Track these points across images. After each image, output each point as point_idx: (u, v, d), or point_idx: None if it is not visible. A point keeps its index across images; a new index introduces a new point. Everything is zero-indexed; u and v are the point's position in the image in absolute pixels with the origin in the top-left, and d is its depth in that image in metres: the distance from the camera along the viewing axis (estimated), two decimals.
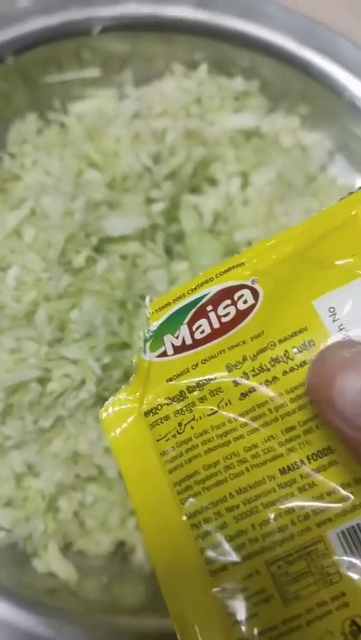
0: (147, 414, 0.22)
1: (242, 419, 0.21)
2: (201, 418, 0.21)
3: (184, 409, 0.21)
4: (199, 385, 0.21)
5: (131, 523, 0.37)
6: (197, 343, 0.22)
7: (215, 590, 0.20)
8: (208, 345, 0.22)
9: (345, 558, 0.19)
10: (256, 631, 0.19)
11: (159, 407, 0.22)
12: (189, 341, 0.22)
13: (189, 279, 0.38)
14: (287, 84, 0.43)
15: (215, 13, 0.42)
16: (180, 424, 0.21)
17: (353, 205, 0.23)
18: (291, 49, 0.42)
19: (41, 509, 0.35)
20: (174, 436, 0.21)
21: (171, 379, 0.22)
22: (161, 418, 0.22)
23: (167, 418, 0.22)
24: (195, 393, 0.21)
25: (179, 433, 0.21)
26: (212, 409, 0.21)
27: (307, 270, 0.22)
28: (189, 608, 0.20)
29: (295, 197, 0.41)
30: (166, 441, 0.21)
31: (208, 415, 0.21)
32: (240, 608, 0.19)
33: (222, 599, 0.19)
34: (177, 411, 0.21)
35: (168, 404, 0.22)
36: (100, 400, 0.35)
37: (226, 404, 0.21)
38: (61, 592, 0.34)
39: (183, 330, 0.22)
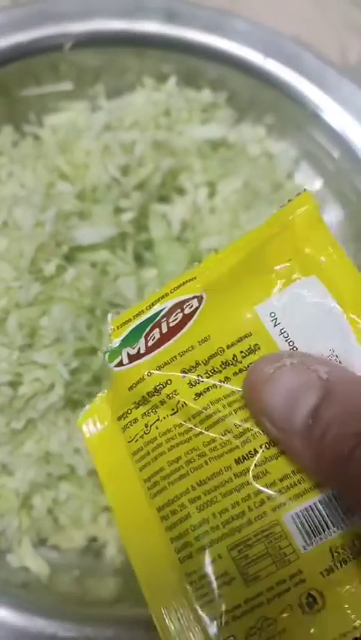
0: (119, 418, 0.24)
1: (199, 417, 0.22)
2: (164, 418, 0.23)
3: (150, 411, 0.23)
4: (157, 390, 0.23)
5: (103, 519, 0.38)
6: (149, 350, 0.24)
7: (185, 575, 0.21)
8: (159, 350, 0.23)
9: (300, 538, 0.21)
10: (222, 609, 0.20)
11: (129, 411, 0.23)
12: (143, 350, 0.24)
13: (158, 286, 0.40)
14: (254, 95, 0.45)
15: (183, 28, 0.44)
16: (146, 425, 0.23)
17: (290, 211, 0.24)
18: (257, 62, 0.43)
19: (15, 506, 0.37)
20: (141, 436, 0.23)
21: (131, 387, 0.23)
22: (130, 421, 0.23)
23: (135, 420, 0.23)
24: (155, 397, 0.23)
25: (145, 433, 0.23)
26: (172, 409, 0.23)
27: (249, 277, 0.23)
28: (164, 594, 0.21)
29: (262, 205, 0.43)
30: (135, 442, 0.23)
31: (170, 415, 0.23)
32: (207, 591, 0.21)
33: (192, 583, 0.21)
34: (143, 413, 0.23)
35: (135, 408, 0.23)
36: (69, 402, 0.37)
37: (183, 405, 0.23)
38: (34, 585, 0.36)
39: (141, 342, 0.24)
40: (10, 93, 0.44)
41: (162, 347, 0.23)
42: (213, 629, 0.20)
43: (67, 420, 0.37)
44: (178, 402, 0.23)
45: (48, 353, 0.36)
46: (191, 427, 0.22)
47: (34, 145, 0.44)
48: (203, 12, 0.44)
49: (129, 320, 0.25)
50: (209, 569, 0.21)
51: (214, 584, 0.21)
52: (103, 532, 0.38)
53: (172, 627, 0.21)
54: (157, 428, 0.23)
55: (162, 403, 0.23)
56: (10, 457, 0.37)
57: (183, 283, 0.25)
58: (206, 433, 0.22)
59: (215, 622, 0.20)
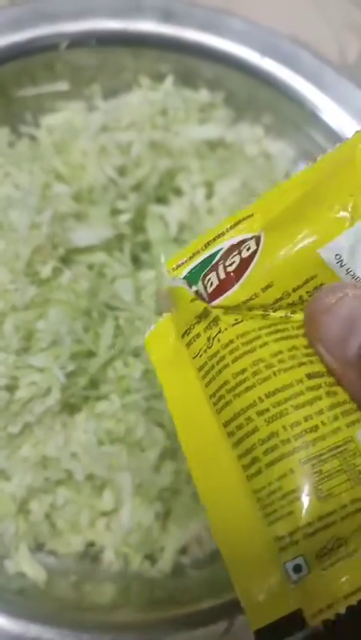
0: (182, 335, 0.23)
1: (267, 329, 0.21)
2: (226, 329, 0.21)
3: (211, 324, 0.22)
4: (220, 305, 0.22)
5: (101, 524, 0.38)
6: (210, 297, 0.22)
7: (253, 492, 0.20)
8: (220, 299, 0.22)
9: None
10: (292, 527, 0.19)
11: (192, 327, 0.22)
12: (204, 295, 0.23)
13: (156, 288, 0.40)
14: (251, 95, 0.44)
15: (180, 27, 0.43)
16: (208, 339, 0.22)
17: (350, 148, 0.22)
18: (254, 61, 0.43)
19: (12, 511, 0.37)
20: (205, 351, 0.22)
21: (193, 299, 0.22)
22: (194, 337, 0.22)
23: (198, 335, 0.22)
24: (219, 309, 0.22)
25: (208, 347, 0.22)
26: (236, 319, 0.22)
27: (310, 216, 0.22)
28: (229, 514, 0.20)
29: None
30: (199, 357, 0.22)
31: (233, 325, 0.22)
32: (276, 507, 0.19)
33: (260, 499, 0.20)
34: (205, 327, 0.22)
35: (197, 322, 0.22)
36: (66, 406, 0.37)
37: (251, 318, 0.22)
38: (31, 591, 0.35)
39: (200, 285, 0.23)
40: (6, 93, 0.44)
41: (223, 296, 0.22)
42: (281, 548, 0.19)
43: (64, 424, 0.37)
44: (246, 315, 0.22)
45: (45, 356, 0.36)
46: (257, 336, 0.21)
47: (30, 146, 0.43)
48: (199, 11, 0.43)
49: (185, 262, 0.24)
50: (279, 483, 0.20)
51: (285, 500, 0.19)
52: (100, 537, 0.38)
53: (239, 551, 0.20)
54: (219, 340, 0.22)
55: (226, 313, 0.22)
56: (6, 462, 0.36)
57: (240, 221, 0.23)
58: (273, 343, 0.21)
59: (284, 540, 0.19)
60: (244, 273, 0.22)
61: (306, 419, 0.20)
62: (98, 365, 0.37)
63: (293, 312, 0.22)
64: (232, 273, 0.22)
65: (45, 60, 0.44)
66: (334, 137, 0.42)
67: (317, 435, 0.20)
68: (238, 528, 0.20)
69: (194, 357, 0.22)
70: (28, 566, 0.36)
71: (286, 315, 0.22)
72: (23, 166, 0.42)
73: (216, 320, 0.22)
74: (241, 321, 0.22)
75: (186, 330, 0.23)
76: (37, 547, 0.38)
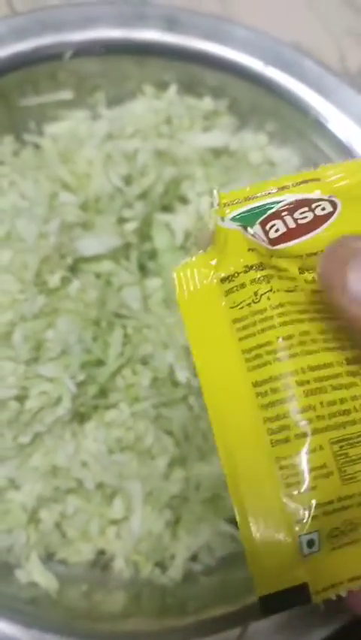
0: (223, 280, 0.22)
1: (315, 306, 0.21)
2: (278, 291, 0.21)
3: (262, 278, 0.21)
4: (276, 267, 0.22)
5: (111, 532, 0.38)
6: (273, 242, 0.22)
7: (275, 459, 0.20)
8: (287, 244, 0.22)
9: None
10: (314, 502, 0.19)
11: (236, 274, 0.22)
12: (264, 238, 0.22)
13: (163, 295, 0.40)
14: (255, 103, 0.44)
15: (183, 36, 0.43)
16: (255, 294, 0.21)
17: None
18: (257, 69, 0.43)
19: (23, 521, 0.37)
20: (249, 304, 0.21)
21: (252, 249, 0.22)
22: (237, 286, 0.22)
23: (243, 285, 0.22)
24: (271, 269, 0.21)
25: (254, 302, 0.21)
26: (289, 288, 0.21)
27: None
28: (247, 472, 0.20)
29: None
30: (240, 309, 0.21)
31: (286, 291, 0.21)
32: (300, 479, 0.19)
33: (283, 468, 0.20)
34: (255, 279, 0.21)
35: (245, 272, 0.22)
36: (76, 415, 0.37)
37: (302, 290, 0.21)
38: (43, 601, 0.35)
39: (256, 229, 0.22)
40: (10, 102, 0.44)
41: (291, 242, 0.22)
42: (299, 520, 0.19)
43: (74, 433, 0.37)
44: (297, 285, 0.21)
45: (54, 366, 0.36)
46: (306, 309, 0.21)
47: (35, 154, 0.44)
48: (203, 20, 0.44)
49: (239, 201, 0.23)
50: (307, 457, 0.20)
51: (309, 475, 0.19)
52: (111, 545, 0.38)
53: (252, 511, 0.20)
54: (269, 299, 0.21)
55: (280, 277, 0.21)
56: (17, 472, 0.36)
57: (305, 181, 0.23)
58: (321, 322, 0.21)
59: (303, 513, 0.19)
60: (318, 228, 0.22)
61: (341, 401, 0.20)
62: (108, 374, 0.37)
63: None
64: (304, 225, 0.22)
65: (49, 69, 0.44)
66: (337, 144, 0.42)
67: (348, 419, 0.20)
68: (258, 493, 0.20)
69: (232, 307, 0.22)
70: (39, 576, 0.36)
71: None
72: (28, 175, 0.42)
73: (268, 277, 0.21)
74: (294, 290, 0.21)
75: (229, 277, 0.22)
76: (48, 557, 0.38)
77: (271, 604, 0.19)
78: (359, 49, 0.52)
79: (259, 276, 0.21)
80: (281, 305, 0.21)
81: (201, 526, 0.38)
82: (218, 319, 0.22)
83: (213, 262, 0.22)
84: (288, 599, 0.19)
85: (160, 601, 0.37)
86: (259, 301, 0.21)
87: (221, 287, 0.22)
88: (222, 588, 0.37)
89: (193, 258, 0.23)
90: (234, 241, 0.22)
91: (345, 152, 0.42)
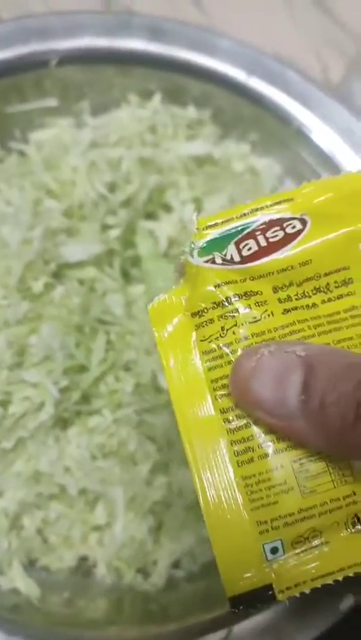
0: (193, 315, 0.23)
1: (283, 331, 0.23)
2: (243, 324, 0.23)
3: (227, 314, 0.23)
4: (246, 295, 0.23)
5: (94, 538, 0.38)
6: (245, 260, 0.23)
7: (242, 477, 0.22)
8: (256, 263, 0.23)
9: (358, 463, 0.22)
10: (274, 515, 0.21)
11: (205, 310, 0.23)
12: (237, 258, 0.23)
13: (146, 302, 0.40)
14: (238, 112, 0.45)
15: (168, 46, 0.44)
16: (222, 329, 0.23)
17: None
18: (241, 79, 0.44)
19: (5, 527, 0.36)
20: (216, 338, 0.23)
21: (218, 285, 0.23)
22: (206, 321, 0.23)
23: (211, 321, 0.23)
24: (240, 301, 0.23)
25: (221, 336, 0.23)
26: (255, 318, 0.23)
27: (352, 213, 0.24)
28: (217, 488, 0.22)
29: None
30: (208, 342, 0.23)
31: (250, 323, 0.23)
32: (263, 495, 0.22)
33: (248, 485, 0.22)
34: (220, 315, 0.23)
35: (213, 308, 0.23)
36: (59, 421, 0.37)
37: (270, 315, 0.23)
38: (24, 608, 0.35)
39: (231, 249, 0.24)
40: None
41: (261, 260, 0.23)
42: (262, 531, 0.21)
43: (57, 439, 0.37)
44: (265, 311, 0.23)
45: (37, 371, 0.36)
46: (271, 339, 0.22)
47: (19, 161, 0.44)
48: (188, 30, 0.44)
49: (216, 224, 0.24)
50: (268, 475, 0.22)
51: (271, 491, 0.22)
52: (93, 552, 0.38)
53: (221, 523, 0.22)
54: (234, 334, 0.23)
55: (246, 308, 0.23)
56: None
57: (280, 201, 0.25)
58: None
59: (266, 525, 0.21)
60: (288, 245, 0.23)
61: None
62: (90, 380, 0.37)
63: (314, 306, 0.23)
64: (274, 243, 0.23)
65: (34, 77, 0.44)
66: (320, 153, 0.43)
67: None
68: (225, 508, 0.22)
69: (202, 340, 0.23)
70: (21, 582, 0.36)
71: (307, 307, 0.23)
72: (13, 182, 0.42)
73: (233, 312, 0.23)
74: (260, 319, 0.23)
75: (199, 312, 0.23)
76: (30, 563, 0.38)
77: (239, 603, 0.22)
78: (341, 60, 0.52)
79: (225, 312, 0.23)
80: (246, 338, 0.23)
81: (184, 532, 0.38)
82: (189, 351, 0.23)
83: (184, 298, 0.24)
84: (254, 598, 0.21)
85: (143, 607, 0.37)
86: (225, 336, 0.23)
87: (192, 321, 0.24)
88: (205, 594, 0.37)
89: (165, 296, 0.24)
90: (203, 278, 0.23)
91: (327, 161, 0.43)
